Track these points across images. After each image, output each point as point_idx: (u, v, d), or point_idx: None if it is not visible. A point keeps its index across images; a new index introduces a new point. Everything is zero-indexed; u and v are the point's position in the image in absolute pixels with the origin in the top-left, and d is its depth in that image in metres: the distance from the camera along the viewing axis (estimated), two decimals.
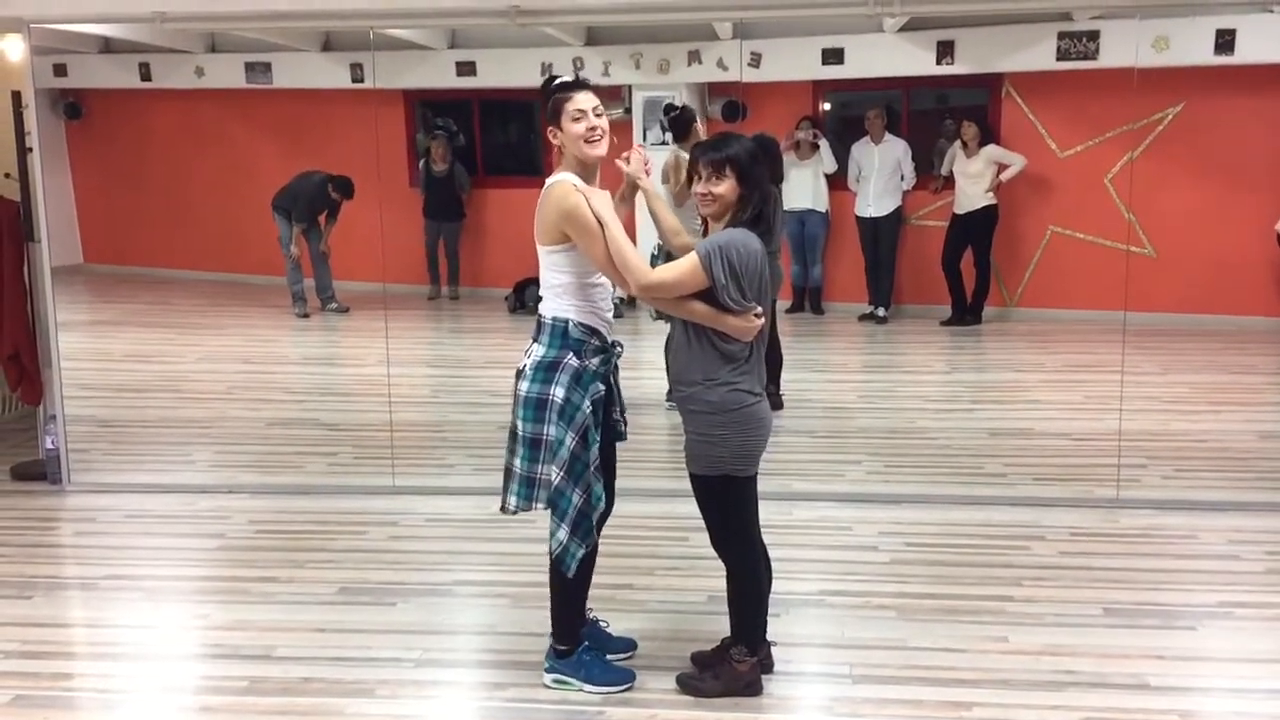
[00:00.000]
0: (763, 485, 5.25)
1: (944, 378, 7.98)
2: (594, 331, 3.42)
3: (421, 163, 9.64)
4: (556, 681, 3.57)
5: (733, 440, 3.33)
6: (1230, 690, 3.53)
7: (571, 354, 3.37)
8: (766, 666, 3.60)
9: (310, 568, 4.57)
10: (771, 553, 4.52)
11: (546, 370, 3.36)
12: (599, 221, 3.27)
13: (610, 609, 3.97)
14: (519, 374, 3.42)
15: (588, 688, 3.53)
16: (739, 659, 3.47)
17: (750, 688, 3.48)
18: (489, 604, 4.20)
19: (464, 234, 9.93)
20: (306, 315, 9.18)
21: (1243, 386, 7.29)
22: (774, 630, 3.86)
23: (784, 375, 7.32)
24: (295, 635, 3.97)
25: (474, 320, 9.57)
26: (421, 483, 5.54)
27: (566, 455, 3.35)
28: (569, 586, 3.51)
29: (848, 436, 6.31)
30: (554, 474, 3.36)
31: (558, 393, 3.34)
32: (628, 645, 3.74)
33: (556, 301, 3.41)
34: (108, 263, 10.90)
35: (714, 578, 3.75)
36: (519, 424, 3.41)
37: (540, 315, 3.44)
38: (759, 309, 3.31)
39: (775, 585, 4.20)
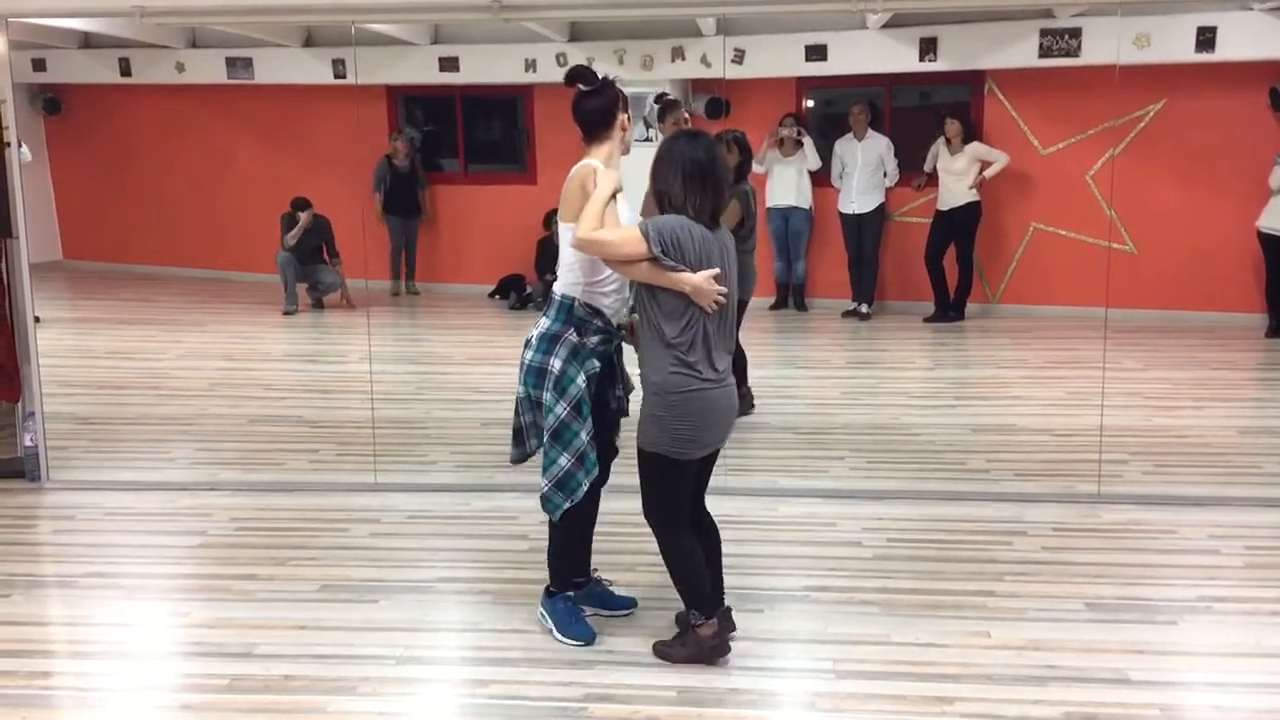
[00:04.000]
0: (746, 481, 5.32)
1: (927, 374, 8.00)
2: (597, 312, 3.65)
3: (383, 160, 9.66)
4: (542, 616, 3.87)
5: (670, 422, 3.45)
6: (1210, 684, 3.55)
7: (572, 330, 3.63)
8: (727, 627, 3.69)
9: (292, 565, 4.55)
10: (756, 549, 4.57)
11: (548, 342, 3.63)
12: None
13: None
14: (526, 343, 3.69)
15: (555, 633, 3.80)
16: (696, 622, 3.60)
17: (715, 651, 3.60)
18: (471, 601, 4.19)
19: (440, 230, 9.95)
20: (290, 312, 9.17)
21: (1222, 382, 7.33)
22: (758, 625, 3.89)
23: (767, 371, 7.34)
24: (276, 633, 3.95)
25: (456, 316, 9.56)
26: (404, 479, 5.51)
27: (554, 423, 3.60)
28: (563, 536, 3.79)
29: (831, 432, 6.32)
30: (544, 440, 3.64)
31: (554, 364, 3.60)
32: (628, 603, 4.00)
33: (568, 277, 3.65)
34: (87, 259, 10.86)
35: None
36: (525, 389, 3.69)
37: (555, 291, 3.70)
38: (718, 270, 3.41)
39: (759, 580, 4.24)
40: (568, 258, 3.64)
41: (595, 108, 3.67)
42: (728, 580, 4.09)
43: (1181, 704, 3.42)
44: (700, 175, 3.44)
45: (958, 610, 4.03)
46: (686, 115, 6.62)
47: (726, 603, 3.75)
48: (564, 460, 3.62)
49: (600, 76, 3.67)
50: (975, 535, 4.76)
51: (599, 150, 3.68)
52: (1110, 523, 4.88)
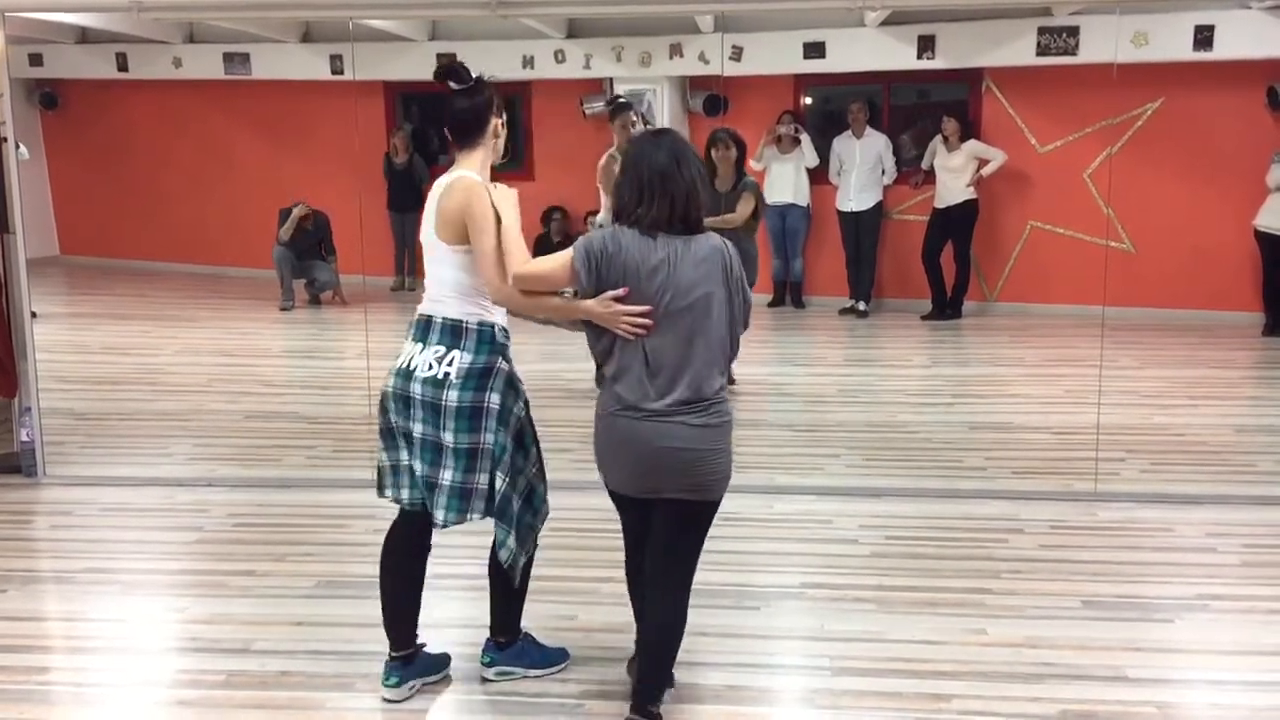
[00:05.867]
0: (744, 479, 5.27)
1: (924, 372, 8.01)
2: (508, 333, 3.35)
3: (385, 158, 9.71)
4: (500, 674, 3.56)
5: (596, 441, 3.23)
6: (1207, 682, 3.55)
7: (501, 359, 3.29)
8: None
9: (289, 561, 4.55)
10: (753, 546, 4.57)
11: (479, 378, 3.25)
12: (496, 215, 3.20)
13: (590, 602, 4.00)
14: (441, 383, 3.24)
15: (533, 672, 3.57)
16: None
17: None
18: (468, 597, 4.17)
19: None
20: (287, 308, 9.17)
21: (1219, 381, 7.34)
22: (754, 623, 3.90)
23: (765, 369, 7.35)
24: (274, 629, 3.94)
25: None
26: None
27: (509, 461, 3.29)
28: (521, 586, 3.54)
29: (828, 430, 6.32)
30: (499, 481, 3.28)
31: (494, 399, 3.25)
32: (563, 656, 3.67)
33: (472, 306, 3.28)
34: (84, 254, 10.85)
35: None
36: (449, 435, 3.25)
37: (462, 320, 3.27)
38: (622, 291, 3.03)
39: (755, 578, 4.24)
40: (461, 282, 3.25)
41: (467, 109, 3.29)
42: (723, 578, 4.10)
43: (1178, 702, 3.42)
44: (657, 183, 3.04)
45: (955, 608, 4.04)
46: (634, 119, 6.71)
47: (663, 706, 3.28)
48: (517, 503, 3.34)
49: (475, 75, 3.31)
50: (972, 533, 4.76)
51: (470, 158, 3.31)
52: (1107, 521, 4.88)
